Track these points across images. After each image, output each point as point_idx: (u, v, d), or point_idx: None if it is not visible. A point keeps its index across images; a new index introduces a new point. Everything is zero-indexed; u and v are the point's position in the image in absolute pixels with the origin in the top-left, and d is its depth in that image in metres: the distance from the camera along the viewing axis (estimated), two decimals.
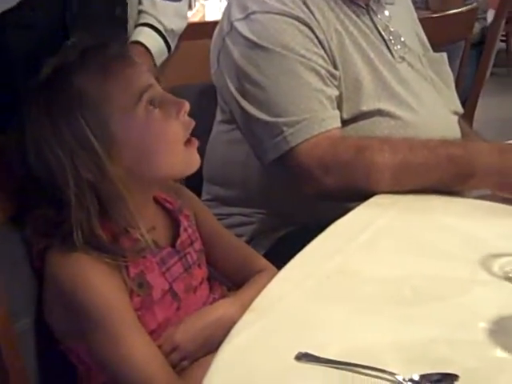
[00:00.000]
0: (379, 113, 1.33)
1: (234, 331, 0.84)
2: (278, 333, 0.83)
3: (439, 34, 1.88)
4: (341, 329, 0.84)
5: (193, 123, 1.01)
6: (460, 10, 2.35)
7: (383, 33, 1.41)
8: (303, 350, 0.79)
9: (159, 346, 0.99)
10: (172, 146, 0.99)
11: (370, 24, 1.40)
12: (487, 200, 1.18)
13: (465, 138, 1.50)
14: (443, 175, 1.20)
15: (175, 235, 1.08)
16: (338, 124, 1.29)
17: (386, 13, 1.43)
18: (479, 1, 3.30)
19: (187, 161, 1.02)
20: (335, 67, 1.32)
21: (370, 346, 0.80)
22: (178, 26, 1.80)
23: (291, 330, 0.82)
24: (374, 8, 1.41)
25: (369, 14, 1.41)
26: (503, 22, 2.85)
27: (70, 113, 0.94)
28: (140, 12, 1.80)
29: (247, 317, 0.87)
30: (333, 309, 0.88)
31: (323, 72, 1.29)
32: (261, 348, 0.81)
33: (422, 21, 1.64)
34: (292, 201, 1.35)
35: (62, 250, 0.94)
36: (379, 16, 1.42)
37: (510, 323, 0.81)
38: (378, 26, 1.41)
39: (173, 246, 1.07)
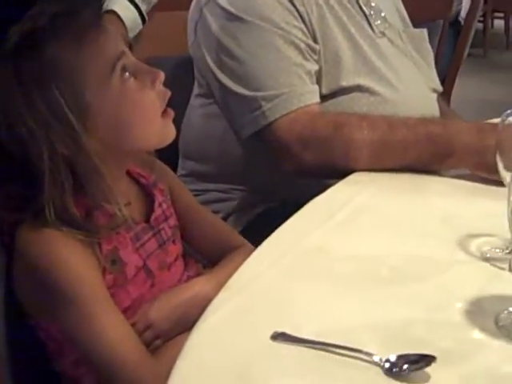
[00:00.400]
0: (358, 88, 1.31)
1: (208, 310, 0.82)
2: (253, 312, 0.82)
3: (419, 12, 1.86)
4: (317, 308, 0.83)
5: (168, 93, 0.99)
6: None
7: (364, 7, 1.39)
8: (279, 330, 0.77)
9: (133, 324, 0.97)
10: (148, 116, 0.97)
11: None
12: (466, 179, 1.18)
13: (443, 117, 1.50)
14: (422, 153, 1.19)
15: (149, 211, 1.06)
16: (317, 99, 1.27)
17: None
18: None
19: (163, 132, 0.99)
20: (315, 41, 1.30)
21: (346, 326, 0.79)
22: None
23: (267, 309, 0.81)
24: None
25: None
26: (481, 2, 2.84)
27: (43, 83, 0.91)
28: None
29: (222, 295, 0.86)
30: (309, 288, 0.87)
31: (303, 46, 1.27)
32: (236, 327, 0.79)
33: None
34: (270, 177, 1.33)
35: (34, 226, 0.92)
36: None
37: (487, 304, 0.81)
38: (360, 0, 1.39)
39: (147, 221, 1.04)
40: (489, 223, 0.97)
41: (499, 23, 6.60)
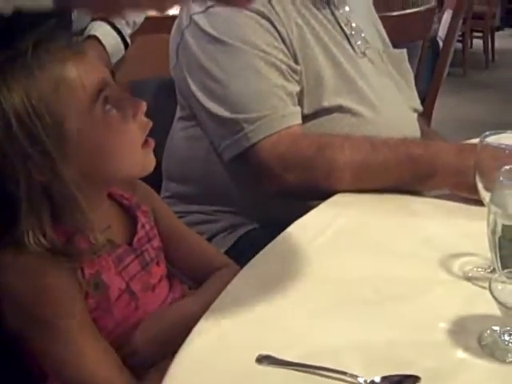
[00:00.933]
0: (340, 109, 1.32)
1: (193, 333, 0.82)
2: (238, 334, 0.82)
3: (398, 33, 1.89)
4: (302, 330, 0.83)
5: (150, 124, 0.98)
6: (419, 9, 2.37)
7: (345, 27, 1.40)
8: (264, 352, 0.78)
9: (118, 349, 0.96)
10: (129, 149, 0.96)
11: (332, 18, 1.39)
12: (446, 200, 1.19)
13: (424, 137, 1.51)
14: (404, 174, 1.20)
15: (132, 232, 1.05)
16: (299, 120, 1.28)
17: (347, 8, 1.43)
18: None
19: (144, 162, 0.98)
20: (296, 62, 1.30)
21: (331, 348, 0.80)
22: (139, 16, 1.76)
23: (252, 332, 0.81)
24: (336, 2, 1.41)
25: (330, 8, 1.40)
26: (460, 21, 2.88)
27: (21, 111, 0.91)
28: None
29: (207, 317, 0.86)
30: (294, 310, 0.87)
31: (284, 67, 1.27)
32: (221, 350, 0.79)
33: (381, 19, 1.64)
34: (253, 198, 1.34)
35: (15, 251, 0.91)
36: (340, 11, 1.41)
37: (470, 323, 0.82)
38: (340, 20, 1.40)
39: (130, 243, 1.04)
40: (470, 243, 0.97)
41: (478, 42, 6.69)
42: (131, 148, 0.96)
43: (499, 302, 0.60)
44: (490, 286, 0.62)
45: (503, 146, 0.92)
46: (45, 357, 0.93)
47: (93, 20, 1.69)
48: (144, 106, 0.96)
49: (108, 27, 1.61)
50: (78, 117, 0.91)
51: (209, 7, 1.28)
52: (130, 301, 1.00)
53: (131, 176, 1.02)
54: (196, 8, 1.29)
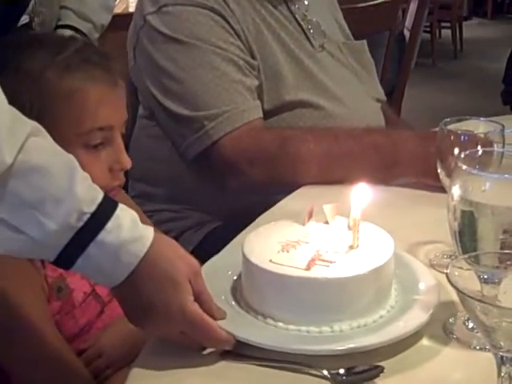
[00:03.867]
0: (301, 104, 1.32)
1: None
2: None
3: (363, 25, 1.89)
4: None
5: (121, 183, 0.98)
6: (384, 0, 2.37)
7: (302, 22, 1.40)
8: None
9: (82, 351, 0.95)
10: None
11: (288, 14, 1.39)
12: (411, 188, 1.19)
13: (391, 126, 1.51)
14: (369, 164, 1.20)
15: None
16: (260, 114, 1.27)
17: (305, 2, 1.42)
18: None
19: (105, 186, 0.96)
20: (253, 57, 1.30)
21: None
22: (107, 19, 1.75)
23: None
24: None
25: (286, 3, 1.39)
26: (426, 11, 2.90)
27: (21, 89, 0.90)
28: (63, 8, 1.73)
29: None
30: None
31: (241, 62, 1.27)
32: (183, 350, 0.78)
33: (346, 11, 1.64)
34: (218, 195, 1.33)
35: None
36: (297, 5, 1.41)
37: (435, 311, 0.81)
38: (297, 15, 1.40)
39: None
40: (435, 230, 0.97)
41: (446, 33, 6.73)
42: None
43: (456, 288, 0.60)
44: (447, 272, 0.61)
45: (461, 133, 0.92)
46: (3, 362, 0.92)
47: (58, 26, 1.68)
48: (127, 167, 0.96)
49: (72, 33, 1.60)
50: (57, 129, 0.87)
51: (161, 6, 1.27)
52: (95, 304, 0.99)
53: None
54: (149, 8, 1.28)
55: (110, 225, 0.72)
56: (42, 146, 0.74)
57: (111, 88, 0.96)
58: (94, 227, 0.71)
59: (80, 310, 0.97)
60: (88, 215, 0.71)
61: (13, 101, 0.85)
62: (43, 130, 0.76)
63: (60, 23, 1.71)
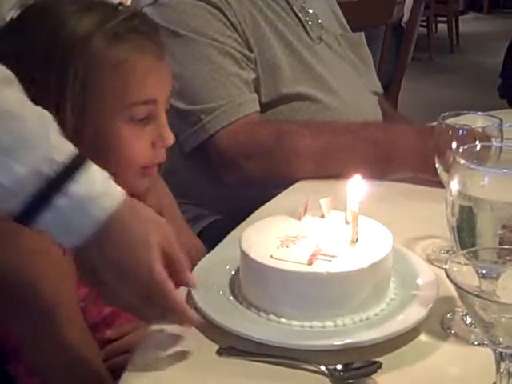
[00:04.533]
0: (299, 97, 1.31)
1: (151, 329, 0.81)
2: (198, 328, 0.80)
3: (360, 18, 1.88)
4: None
5: (162, 160, 0.95)
6: None
7: (299, 14, 1.39)
8: (224, 345, 0.76)
9: (109, 341, 0.93)
10: (127, 166, 0.92)
11: (286, 6, 1.38)
12: (409, 183, 1.19)
13: (388, 120, 1.51)
14: (366, 158, 1.20)
15: None
16: (257, 108, 1.27)
17: None
18: None
19: (134, 184, 0.94)
20: (250, 50, 1.29)
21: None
22: None
23: (212, 325, 0.79)
24: None
25: None
26: (422, 5, 2.89)
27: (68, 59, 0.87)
28: None
29: None
30: None
31: (238, 55, 1.26)
32: (181, 343, 0.78)
33: (343, 4, 1.63)
34: (215, 189, 1.32)
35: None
36: None
37: (433, 306, 0.81)
38: (294, 7, 1.39)
39: None
40: (433, 225, 0.97)
41: (443, 27, 6.73)
42: (128, 166, 0.92)
43: (455, 284, 0.59)
44: (446, 268, 0.61)
45: (459, 127, 0.92)
46: (21, 336, 0.89)
47: None
48: (170, 143, 0.94)
49: None
50: (102, 101, 0.88)
51: None
52: None
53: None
54: (145, 0, 1.27)
55: (81, 177, 0.70)
56: (15, 94, 0.72)
57: (158, 60, 0.93)
58: (65, 177, 0.69)
59: None
60: (60, 164, 0.69)
61: (51, 62, 0.85)
62: (16, 81, 0.73)
63: None
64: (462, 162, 0.75)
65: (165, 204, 1.09)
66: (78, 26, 0.88)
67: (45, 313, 0.86)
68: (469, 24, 7.43)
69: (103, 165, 0.87)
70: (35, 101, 0.75)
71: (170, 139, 0.94)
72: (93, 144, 0.88)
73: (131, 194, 0.93)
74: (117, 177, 0.89)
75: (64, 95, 0.86)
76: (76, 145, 0.82)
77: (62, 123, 0.81)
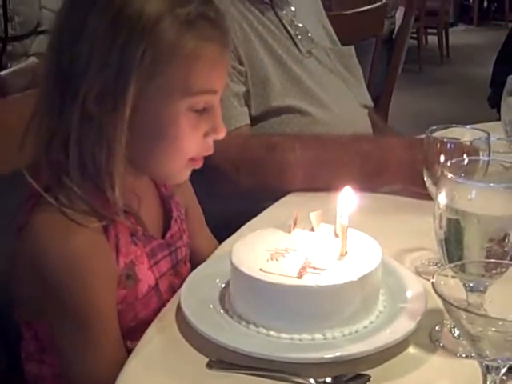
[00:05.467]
0: (289, 110, 1.32)
1: (142, 341, 0.81)
2: (188, 341, 0.80)
3: (350, 32, 1.90)
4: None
5: (210, 151, 0.93)
6: (369, 7, 2.38)
7: (289, 28, 1.40)
8: (214, 358, 0.77)
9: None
10: (178, 154, 0.90)
11: (276, 20, 1.39)
12: (398, 195, 1.19)
13: (378, 133, 1.52)
14: (356, 171, 1.20)
15: (166, 226, 0.99)
16: (247, 121, 1.27)
17: (292, 8, 1.43)
18: None
19: (178, 174, 0.94)
20: (241, 63, 1.30)
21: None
22: None
23: (202, 338, 0.79)
24: (279, 3, 1.41)
25: (274, 9, 1.40)
26: (412, 18, 2.91)
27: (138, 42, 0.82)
28: (43, 8, 1.70)
29: (156, 325, 0.84)
30: None
31: (229, 69, 1.27)
32: (171, 356, 0.78)
33: (332, 18, 1.64)
34: (206, 201, 1.32)
35: (52, 210, 0.83)
36: (284, 11, 1.41)
37: (421, 319, 0.81)
38: (284, 21, 1.40)
39: (162, 237, 0.97)
40: (422, 238, 0.97)
41: (433, 39, 6.77)
42: (180, 155, 0.90)
43: (442, 298, 0.60)
44: (433, 281, 0.61)
45: (447, 141, 0.92)
46: (53, 336, 0.88)
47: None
48: (222, 136, 0.92)
49: None
50: (165, 87, 0.85)
51: None
52: (155, 300, 0.93)
53: (160, 178, 0.97)
54: None
55: None
56: None
57: (224, 50, 0.90)
58: None
59: (141, 303, 0.91)
60: None
61: (115, 40, 0.81)
62: None
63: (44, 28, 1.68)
64: (450, 175, 0.76)
65: (190, 202, 1.09)
66: (147, 6, 0.83)
67: (85, 318, 0.85)
68: (459, 36, 7.48)
69: (154, 152, 0.89)
70: (93, 80, 0.77)
71: (223, 132, 0.92)
72: (149, 129, 0.87)
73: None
74: (163, 165, 0.91)
75: (127, 77, 0.82)
76: (131, 129, 0.83)
77: (121, 104, 0.82)
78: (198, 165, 0.93)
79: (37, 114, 0.88)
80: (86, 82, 0.83)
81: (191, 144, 0.89)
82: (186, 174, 0.94)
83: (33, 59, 1.61)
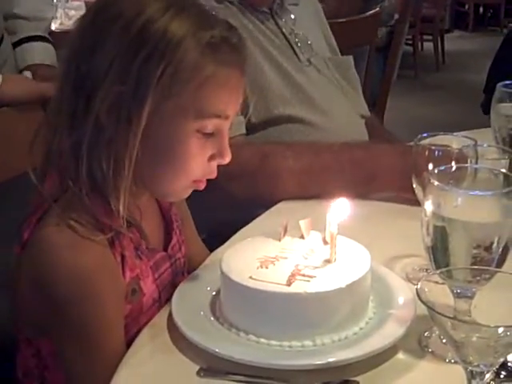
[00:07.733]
0: (289, 119, 1.33)
1: (132, 348, 0.81)
2: (179, 349, 0.81)
3: (344, 39, 1.91)
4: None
5: (213, 176, 0.94)
6: (364, 15, 2.39)
7: (289, 36, 1.41)
8: (205, 365, 0.77)
9: None
10: (183, 176, 0.90)
11: (275, 28, 1.40)
12: (389, 202, 1.20)
13: (377, 139, 1.52)
14: (348, 178, 1.21)
15: (167, 238, 1.00)
16: (242, 131, 1.28)
17: (292, 16, 1.43)
18: (385, 5, 3.39)
19: (179, 194, 0.95)
20: None
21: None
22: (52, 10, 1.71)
23: (192, 346, 0.80)
24: (279, 12, 1.41)
25: (273, 18, 1.41)
26: (407, 25, 2.93)
27: (159, 62, 0.83)
28: (10, 18, 1.65)
29: (148, 332, 0.85)
30: None
31: None
32: (161, 363, 0.79)
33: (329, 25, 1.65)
34: (199, 210, 1.33)
35: (59, 224, 0.83)
36: (284, 19, 1.42)
37: (410, 325, 0.82)
38: (284, 29, 1.41)
39: (165, 249, 0.98)
40: (412, 244, 0.97)
41: (429, 45, 6.79)
42: (185, 175, 0.90)
43: (425, 304, 0.61)
44: (417, 288, 0.62)
45: (435, 148, 0.93)
46: (58, 352, 0.88)
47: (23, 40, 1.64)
48: (227, 161, 0.92)
49: (46, 44, 1.58)
50: (180, 107, 0.86)
51: None
52: (157, 312, 0.92)
53: (159, 195, 0.97)
54: None
55: None
56: None
57: (242, 76, 0.91)
58: None
59: (145, 316, 0.91)
60: None
61: (136, 55, 0.82)
62: None
63: (22, 36, 1.63)
64: (436, 183, 0.76)
65: (183, 212, 1.09)
66: (171, 26, 0.84)
67: (95, 336, 0.85)
68: (454, 42, 7.50)
69: (160, 170, 0.89)
70: (110, 91, 0.78)
71: (228, 157, 0.92)
72: (158, 147, 0.87)
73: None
74: (167, 183, 0.91)
75: (145, 92, 0.83)
76: (141, 145, 0.84)
77: (136, 119, 0.83)
78: (201, 186, 0.94)
79: (48, 121, 0.89)
80: (102, 92, 0.83)
81: (197, 165, 0.90)
82: (188, 193, 0.95)
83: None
